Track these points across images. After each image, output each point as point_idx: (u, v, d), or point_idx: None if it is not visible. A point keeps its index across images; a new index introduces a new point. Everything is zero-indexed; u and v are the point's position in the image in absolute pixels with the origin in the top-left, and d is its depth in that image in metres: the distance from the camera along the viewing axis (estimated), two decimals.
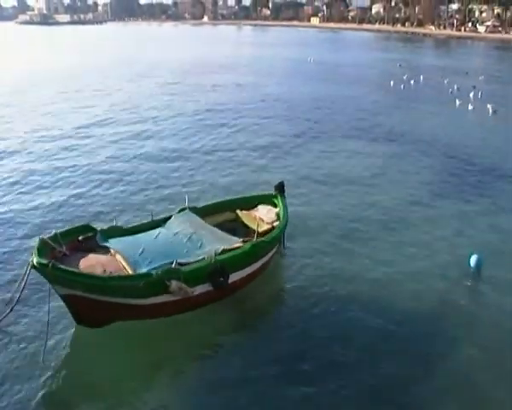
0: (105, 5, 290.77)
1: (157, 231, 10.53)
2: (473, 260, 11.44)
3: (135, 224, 11.15)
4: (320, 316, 9.78)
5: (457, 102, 32.42)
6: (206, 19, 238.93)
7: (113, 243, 9.79)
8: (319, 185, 16.85)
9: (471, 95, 34.48)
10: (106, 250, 9.69)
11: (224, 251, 9.80)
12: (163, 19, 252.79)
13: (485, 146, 22.75)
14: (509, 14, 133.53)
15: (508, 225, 14.01)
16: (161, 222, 10.98)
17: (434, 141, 23.18)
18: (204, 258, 9.47)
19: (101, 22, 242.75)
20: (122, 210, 14.42)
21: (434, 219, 14.25)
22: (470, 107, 30.99)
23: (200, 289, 9.28)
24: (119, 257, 9.40)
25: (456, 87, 37.80)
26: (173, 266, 9.02)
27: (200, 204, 12.17)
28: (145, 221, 11.11)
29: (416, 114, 29.88)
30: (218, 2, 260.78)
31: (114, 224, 10.66)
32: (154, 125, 25.82)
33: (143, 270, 8.95)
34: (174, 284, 8.75)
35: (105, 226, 10.52)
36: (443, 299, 10.40)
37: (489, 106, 30.14)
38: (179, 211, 11.40)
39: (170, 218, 11.13)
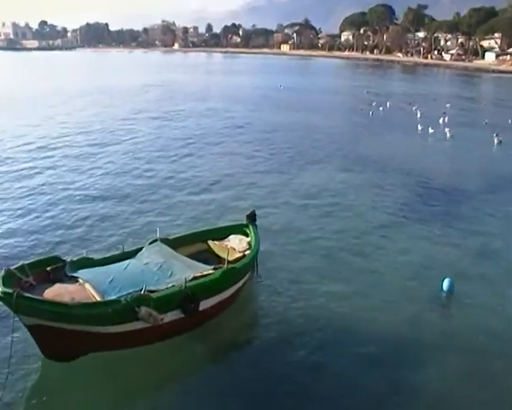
0: (74, 31, 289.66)
1: (127, 261, 10.38)
2: (445, 283, 11.50)
3: (105, 255, 10.90)
4: (292, 344, 9.63)
5: (419, 127, 32.90)
6: (176, 46, 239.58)
7: (81, 274, 9.58)
8: (290, 212, 16.71)
9: (440, 121, 34.84)
10: (74, 280, 9.46)
11: (194, 278, 9.66)
12: (133, 46, 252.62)
13: (447, 169, 23.28)
14: (471, 43, 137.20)
15: (475, 247, 14.20)
16: (132, 254, 10.82)
17: (400, 166, 23.33)
18: (174, 285, 9.33)
19: (70, 48, 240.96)
20: (93, 242, 13.96)
21: (404, 244, 14.29)
22: (431, 131, 31.61)
23: (170, 316, 9.08)
24: (87, 286, 9.16)
25: (419, 113, 38.28)
26: (142, 292, 8.84)
27: (172, 236, 11.97)
28: (116, 253, 10.98)
29: (383, 140, 30.00)
30: (188, 30, 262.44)
31: (84, 255, 10.47)
32: (123, 155, 24.85)
33: (112, 297, 8.76)
34: (143, 310, 8.55)
35: (74, 258, 10.29)
36: (417, 324, 10.38)
37: (447, 130, 31.22)
38: (150, 243, 11.22)
39: (141, 249, 10.98)
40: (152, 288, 9.13)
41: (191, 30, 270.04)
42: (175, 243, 11.40)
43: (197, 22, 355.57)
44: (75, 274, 9.57)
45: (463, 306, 11.15)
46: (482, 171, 23.16)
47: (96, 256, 10.76)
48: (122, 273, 9.79)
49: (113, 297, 8.76)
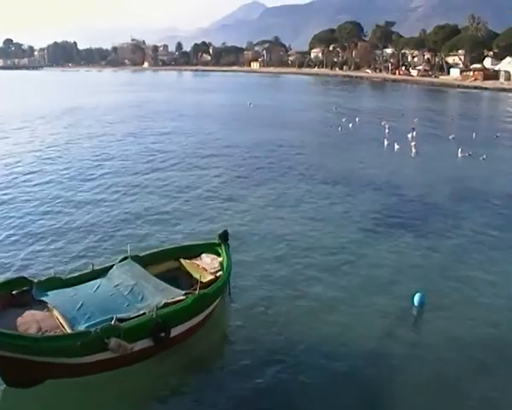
0: (42, 50, 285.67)
1: (97, 282, 10.18)
2: (416, 298, 11.65)
3: (74, 274, 10.70)
4: (264, 364, 9.57)
5: (388, 142, 33.09)
6: (146, 65, 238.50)
7: (50, 298, 9.30)
8: (262, 230, 16.65)
9: (409, 135, 35.18)
10: (42, 305, 9.19)
11: (165, 305, 9.53)
12: (102, 65, 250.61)
13: (414, 183, 23.67)
14: (437, 59, 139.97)
15: (445, 259, 14.51)
16: (102, 272, 10.66)
17: (369, 181, 23.54)
18: (145, 313, 9.19)
19: (37, 68, 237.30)
20: (61, 260, 13.67)
21: (374, 259, 14.40)
22: (398, 146, 31.82)
23: (140, 345, 8.99)
24: (56, 313, 8.93)
25: (388, 129, 38.52)
26: (113, 322, 8.66)
27: (143, 253, 11.81)
28: (85, 271, 10.74)
29: (352, 156, 30.19)
30: (158, 49, 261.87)
31: (53, 275, 10.22)
32: (93, 171, 24.75)
33: (81, 327, 8.58)
34: (113, 341, 8.41)
35: (42, 278, 10.02)
36: (388, 339, 10.45)
37: (413, 144, 31.75)
38: (121, 260, 11.06)
39: (111, 267, 10.79)
40: (122, 315, 8.96)
41: (161, 48, 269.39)
42: (146, 261, 11.27)
43: (167, 40, 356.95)
44: (43, 298, 9.27)
45: (434, 319, 11.26)
46: (448, 184, 23.61)
47: (65, 276, 10.52)
48: (91, 297, 9.52)
49: (83, 327, 8.57)
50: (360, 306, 11.69)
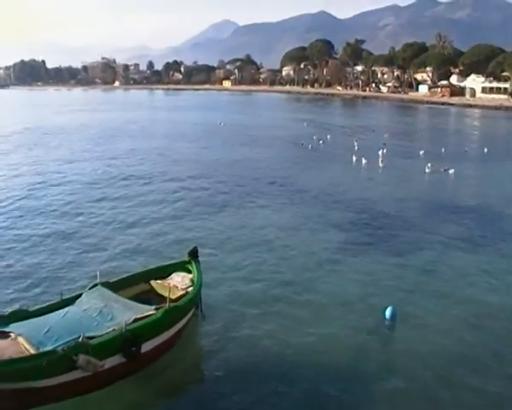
0: (7, 69, 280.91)
1: (65, 309, 9.84)
2: (387, 312, 11.71)
3: (41, 305, 10.26)
4: (237, 382, 9.49)
5: (357, 159, 33.06)
6: (117, 83, 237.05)
7: (14, 327, 8.93)
8: (233, 248, 16.57)
9: (379, 152, 35.11)
10: (5, 336, 8.76)
11: (135, 320, 9.38)
12: (72, 84, 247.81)
13: (384, 199, 23.61)
14: (406, 76, 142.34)
15: (415, 274, 14.59)
16: (71, 301, 10.29)
17: (339, 198, 23.54)
18: (114, 330, 9.00)
19: (3, 86, 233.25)
20: (26, 291, 13.19)
21: (345, 275, 14.45)
22: (368, 162, 31.93)
23: (110, 361, 8.76)
24: (20, 340, 8.56)
25: (358, 145, 38.69)
26: (80, 339, 8.40)
27: (113, 278, 11.60)
28: (53, 301, 10.33)
29: (322, 173, 30.13)
30: (129, 67, 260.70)
31: (17, 307, 9.96)
32: (60, 196, 23.83)
33: (48, 349, 8.23)
34: (81, 358, 8.15)
35: (6, 312, 9.68)
36: (361, 355, 10.48)
37: (382, 161, 32.13)
38: (90, 287, 10.79)
39: (80, 295, 10.47)
40: (91, 334, 8.74)
41: (132, 67, 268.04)
42: (116, 286, 11.08)
43: (138, 59, 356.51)
44: (6, 329, 8.88)
45: (405, 332, 11.39)
46: (417, 198, 23.85)
47: (31, 307, 10.09)
48: (59, 322, 9.24)
49: (49, 348, 8.25)
50: (332, 322, 11.71)
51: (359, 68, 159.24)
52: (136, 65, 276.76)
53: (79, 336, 8.48)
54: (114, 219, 19.95)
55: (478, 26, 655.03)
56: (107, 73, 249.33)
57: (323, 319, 11.86)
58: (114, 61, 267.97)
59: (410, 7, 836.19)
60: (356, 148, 37.66)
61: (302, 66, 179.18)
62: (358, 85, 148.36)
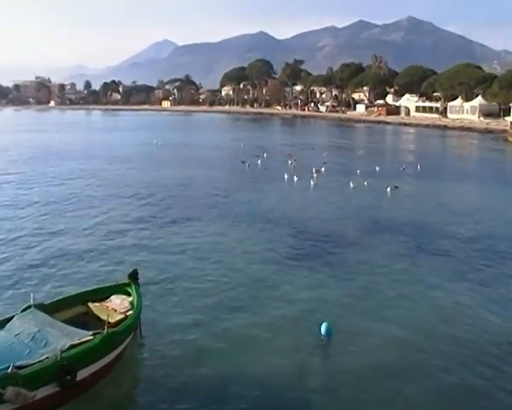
0: None
1: None
2: (323, 327, 11.97)
3: None
4: (177, 403, 9.46)
5: (296, 178, 33.26)
6: (52, 104, 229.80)
7: None
8: (173, 269, 16.51)
9: (321, 169, 35.89)
10: None
11: (71, 347, 9.02)
12: (3, 103, 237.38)
13: (322, 217, 24.01)
14: (344, 95, 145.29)
15: (350, 289, 14.90)
16: (0, 325, 9.78)
17: (275, 216, 23.83)
18: (48, 357, 8.58)
19: None
20: None
21: (282, 293, 14.60)
22: (300, 181, 32.48)
23: (43, 391, 8.35)
24: None
25: (296, 164, 39.21)
26: (9, 370, 7.92)
27: (48, 300, 11.26)
28: None
29: (258, 193, 30.34)
30: (65, 87, 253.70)
31: None
32: None
33: None
34: (10, 390, 7.67)
35: None
36: (299, 371, 10.63)
37: (314, 177, 32.96)
38: (23, 310, 10.29)
39: (11, 319, 9.96)
40: (22, 363, 8.31)
41: (68, 86, 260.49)
42: (51, 308, 10.69)
43: (75, 79, 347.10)
44: None
45: (342, 348, 11.62)
46: (353, 216, 24.26)
47: None
48: None
49: None
50: (272, 340, 11.86)
51: (298, 88, 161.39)
52: (73, 85, 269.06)
53: (8, 366, 8.01)
54: (50, 239, 19.60)
55: (411, 48, 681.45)
56: (41, 93, 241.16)
57: (261, 337, 11.98)
58: (49, 81, 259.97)
59: (347, 28, 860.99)
60: (292, 166, 38.15)
61: (242, 86, 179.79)
62: (297, 105, 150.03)
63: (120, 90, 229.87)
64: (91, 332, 9.67)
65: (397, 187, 30.41)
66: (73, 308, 11.35)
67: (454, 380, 10.40)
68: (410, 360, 11.12)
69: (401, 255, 18.06)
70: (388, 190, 29.33)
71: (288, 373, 10.56)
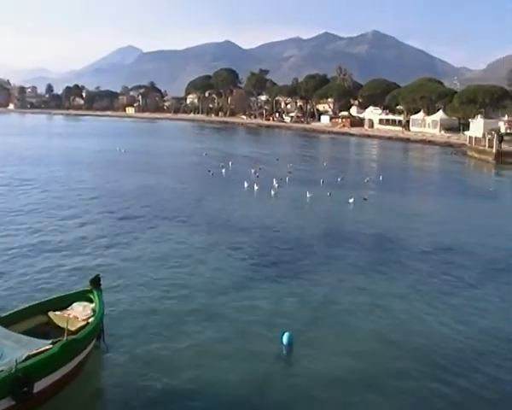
0: None
1: None
2: (284, 337, 12.04)
3: None
4: None
5: (258, 187, 33.20)
6: (12, 107, 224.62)
7: None
8: (137, 275, 16.38)
9: (284, 179, 35.79)
10: None
11: (29, 357, 8.71)
12: None
13: (280, 225, 24.03)
14: (308, 106, 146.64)
15: (310, 299, 15.00)
16: None
17: (238, 225, 23.69)
18: (2, 370, 8.27)
19: None
20: None
21: (243, 302, 14.62)
22: (272, 193, 32.20)
23: None
24: None
25: (260, 173, 39.23)
26: None
27: (5, 312, 10.91)
28: None
29: (221, 201, 30.02)
30: (25, 90, 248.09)
31: None
32: None
33: None
34: None
35: None
36: (260, 380, 10.69)
37: (275, 186, 33.17)
38: None
39: None
40: None
41: (29, 90, 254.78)
42: (9, 320, 10.27)
43: (36, 82, 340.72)
44: None
45: (303, 356, 11.72)
46: (315, 227, 24.21)
47: None
48: None
49: None
50: (233, 350, 11.85)
51: (263, 98, 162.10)
52: (34, 88, 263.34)
53: None
54: (7, 247, 18.98)
55: (375, 61, 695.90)
56: (0, 95, 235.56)
57: (223, 347, 11.96)
58: (9, 83, 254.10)
59: (313, 40, 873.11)
60: (256, 176, 38.06)
61: (207, 94, 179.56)
62: (262, 115, 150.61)
63: (84, 95, 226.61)
64: (51, 341, 9.38)
65: (365, 199, 30.60)
66: (33, 319, 11.01)
67: (411, 387, 10.65)
68: (368, 368, 11.31)
69: (361, 266, 18.22)
70: (351, 200, 29.37)
71: (250, 383, 10.57)
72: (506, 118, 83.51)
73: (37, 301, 11.74)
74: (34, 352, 8.96)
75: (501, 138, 59.01)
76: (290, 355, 11.93)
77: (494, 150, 56.33)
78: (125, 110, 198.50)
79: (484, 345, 12.54)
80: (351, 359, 11.58)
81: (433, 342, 12.57)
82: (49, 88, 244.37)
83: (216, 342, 12.17)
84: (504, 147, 58.63)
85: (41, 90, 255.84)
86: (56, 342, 9.30)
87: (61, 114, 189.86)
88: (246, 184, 33.97)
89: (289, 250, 19.89)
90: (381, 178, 40.64)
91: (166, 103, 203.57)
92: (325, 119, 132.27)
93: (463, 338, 12.81)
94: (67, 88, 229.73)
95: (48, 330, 10.58)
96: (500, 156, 55.70)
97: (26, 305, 11.52)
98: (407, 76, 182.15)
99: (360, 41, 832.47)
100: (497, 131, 66.08)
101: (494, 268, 18.42)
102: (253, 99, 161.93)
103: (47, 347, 9.16)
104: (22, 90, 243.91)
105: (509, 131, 73.46)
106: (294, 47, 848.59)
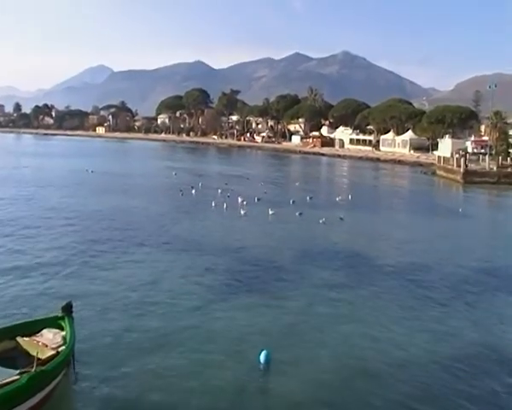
0: None
1: None
2: (262, 356, 12.08)
3: None
4: None
5: (227, 207, 33.47)
6: None
7: None
8: (108, 301, 15.94)
9: (240, 201, 35.50)
10: None
11: None
12: None
13: (249, 243, 24.27)
14: (279, 126, 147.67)
15: (289, 318, 15.12)
16: None
17: (208, 245, 23.63)
18: None
19: None
20: None
21: (220, 322, 14.58)
22: (242, 212, 32.19)
23: None
24: None
25: (231, 194, 39.18)
26: None
27: None
28: None
29: (190, 221, 30.01)
30: None
31: None
32: None
33: None
34: None
35: None
36: (238, 398, 10.76)
37: (243, 206, 33.46)
38: None
39: None
40: None
41: None
42: None
43: (4, 100, 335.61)
44: None
45: (280, 374, 11.78)
46: (288, 246, 24.25)
47: None
48: None
49: None
50: (211, 369, 11.83)
51: (234, 118, 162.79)
52: (1, 106, 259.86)
53: None
54: None
55: (346, 81, 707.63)
56: None
57: (200, 368, 11.87)
58: None
59: (284, 60, 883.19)
60: (225, 196, 38.02)
61: (178, 114, 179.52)
62: (233, 135, 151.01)
63: (53, 114, 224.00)
64: (18, 371, 9.05)
65: (342, 218, 31.08)
66: (0, 343, 10.61)
67: (384, 406, 10.78)
68: (343, 386, 11.48)
69: (332, 284, 18.30)
70: (321, 221, 29.54)
71: (228, 401, 10.61)
72: (473, 138, 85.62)
73: (3, 326, 11.37)
74: (0, 383, 8.60)
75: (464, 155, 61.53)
76: (267, 374, 11.92)
77: (462, 170, 57.50)
78: (95, 130, 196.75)
79: (454, 363, 12.65)
80: (324, 377, 11.71)
81: (404, 359, 12.77)
82: (18, 107, 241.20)
83: (190, 364, 12.04)
84: (471, 166, 60.07)
85: (9, 108, 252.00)
86: (24, 373, 8.93)
87: (30, 133, 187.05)
88: (216, 205, 33.89)
89: (260, 270, 19.84)
90: (350, 197, 41.11)
91: (137, 123, 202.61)
92: (296, 139, 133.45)
93: (433, 356, 12.95)
94: (36, 107, 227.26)
95: (15, 356, 10.24)
96: (467, 175, 56.93)
97: None
98: (377, 96, 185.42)
99: (331, 61, 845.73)
100: (465, 150, 67.66)
101: (462, 288, 18.63)
102: (224, 119, 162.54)
103: (14, 378, 8.79)
104: None
105: (475, 150, 75.30)
106: (266, 67, 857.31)
